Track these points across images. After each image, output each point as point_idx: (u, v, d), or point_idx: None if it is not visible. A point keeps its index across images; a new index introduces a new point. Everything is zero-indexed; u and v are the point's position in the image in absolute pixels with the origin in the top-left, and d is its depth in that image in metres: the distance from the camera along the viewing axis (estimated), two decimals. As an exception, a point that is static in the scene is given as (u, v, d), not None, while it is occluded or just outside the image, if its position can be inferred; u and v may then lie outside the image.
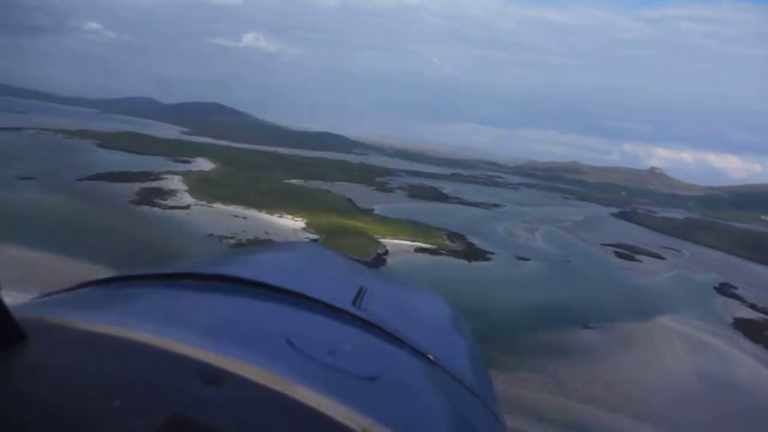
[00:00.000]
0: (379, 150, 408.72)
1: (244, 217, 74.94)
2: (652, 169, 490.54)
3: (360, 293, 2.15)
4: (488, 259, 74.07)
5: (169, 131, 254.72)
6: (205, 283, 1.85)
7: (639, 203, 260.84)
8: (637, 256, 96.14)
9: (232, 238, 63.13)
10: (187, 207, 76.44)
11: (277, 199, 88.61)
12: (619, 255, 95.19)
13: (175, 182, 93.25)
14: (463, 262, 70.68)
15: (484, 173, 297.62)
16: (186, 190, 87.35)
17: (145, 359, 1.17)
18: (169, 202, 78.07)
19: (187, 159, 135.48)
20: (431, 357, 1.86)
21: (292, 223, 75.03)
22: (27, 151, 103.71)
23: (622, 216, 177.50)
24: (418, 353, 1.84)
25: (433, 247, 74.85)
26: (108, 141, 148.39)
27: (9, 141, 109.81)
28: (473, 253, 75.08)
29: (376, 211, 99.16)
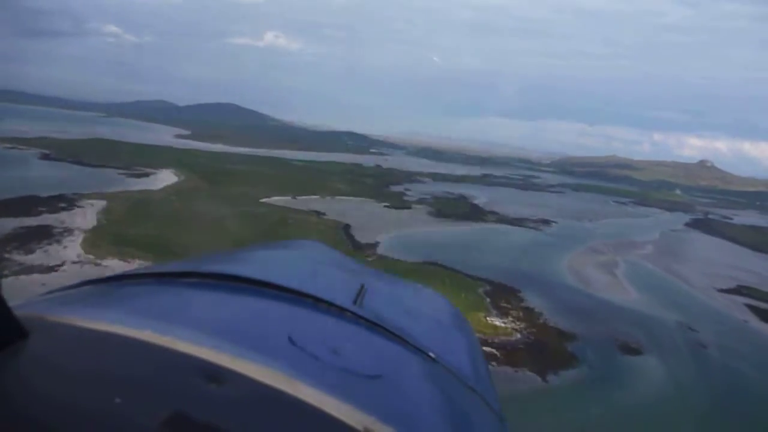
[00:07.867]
0: (401, 148, 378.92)
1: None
2: (702, 161, 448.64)
3: (361, 291, 2.16)
4: (573, 363, 40.95)
5: (165, 135, 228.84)
6: (207, 281, 1.87)
7: (701, 204, 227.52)
8: (783, 313, 62.41)
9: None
10: (56, 268, 46.05)
11: (227, 240, 57.70)
12: (757, 312, 61.73)
13: (83, 216, 63.59)
14: (530, 378, 37.60)
15: (519, 173, 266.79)
16: (85, 231, 57.40)
17: (147, 357, 1.16)
18: (34, 256, 48.09)
19: (148, 171, 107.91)
20: (432, 355, 1.88)
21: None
22: None
23: (699, 226, 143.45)
24: (420, 351, 1.86)
25: (471, 335, 42.52)
26: (64, 150, 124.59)
27: None
28: (543, 346, 42.17)
29: (380, 248, 67.73)
